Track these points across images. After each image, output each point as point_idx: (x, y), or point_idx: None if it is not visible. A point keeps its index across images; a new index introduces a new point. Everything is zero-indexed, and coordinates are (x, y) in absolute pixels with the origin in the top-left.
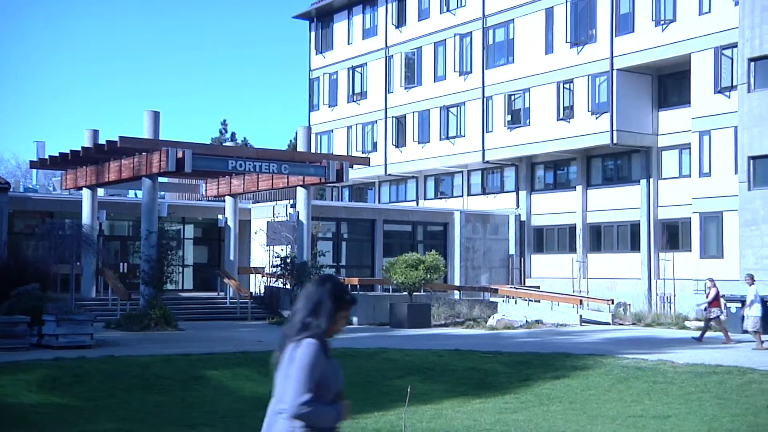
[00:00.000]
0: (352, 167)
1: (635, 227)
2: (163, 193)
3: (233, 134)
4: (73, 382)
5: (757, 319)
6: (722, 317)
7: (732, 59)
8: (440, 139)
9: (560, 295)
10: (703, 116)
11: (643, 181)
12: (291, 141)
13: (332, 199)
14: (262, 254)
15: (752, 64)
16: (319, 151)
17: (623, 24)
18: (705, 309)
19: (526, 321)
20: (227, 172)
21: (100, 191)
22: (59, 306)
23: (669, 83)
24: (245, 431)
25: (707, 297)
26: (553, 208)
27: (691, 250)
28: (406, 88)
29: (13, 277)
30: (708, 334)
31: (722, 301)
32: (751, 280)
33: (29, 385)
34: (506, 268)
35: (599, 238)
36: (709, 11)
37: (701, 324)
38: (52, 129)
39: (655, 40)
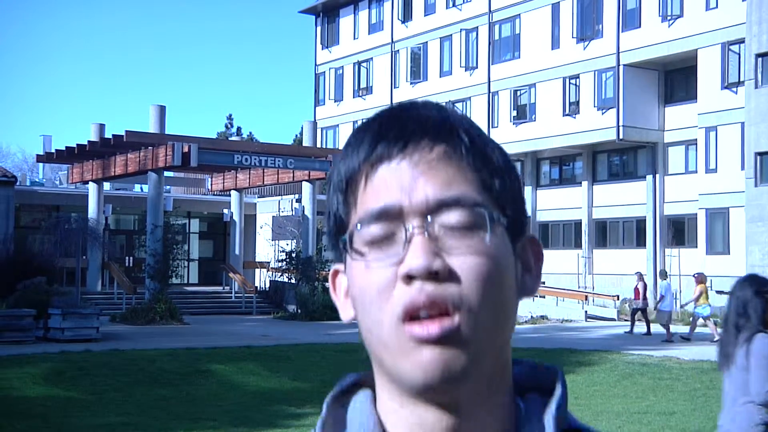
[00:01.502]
0: None
1: (641, 223)
2: (168, 187)
3: (239, 129)
4: (78, 375)
5: (664, 313)
6: (642, 310)
7: (739, 55)
8: None
9: (565, 291)
10: (710, 112)
11: (649, 177)
12: (297, 136)
13: None
14: (267, 249)
15: (759, 59)
16: (324, 146)
17: (630, 19)
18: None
19: (531, 316)
20: (233, 166)
21: (106, 185)
22: (65, 299)
23: (675, 79)
24: (249, 425)
25: (643, 290)
26: (559, 203)
27: (697, 247)
28: (411, 83)
29: (19, 271)
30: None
31: (650, 295)
32: (663, 276)
33: (35, 378)
34: None
35: (605, 233)
36: (716, 6)
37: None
38: (58, 123)
39: (662, 36)
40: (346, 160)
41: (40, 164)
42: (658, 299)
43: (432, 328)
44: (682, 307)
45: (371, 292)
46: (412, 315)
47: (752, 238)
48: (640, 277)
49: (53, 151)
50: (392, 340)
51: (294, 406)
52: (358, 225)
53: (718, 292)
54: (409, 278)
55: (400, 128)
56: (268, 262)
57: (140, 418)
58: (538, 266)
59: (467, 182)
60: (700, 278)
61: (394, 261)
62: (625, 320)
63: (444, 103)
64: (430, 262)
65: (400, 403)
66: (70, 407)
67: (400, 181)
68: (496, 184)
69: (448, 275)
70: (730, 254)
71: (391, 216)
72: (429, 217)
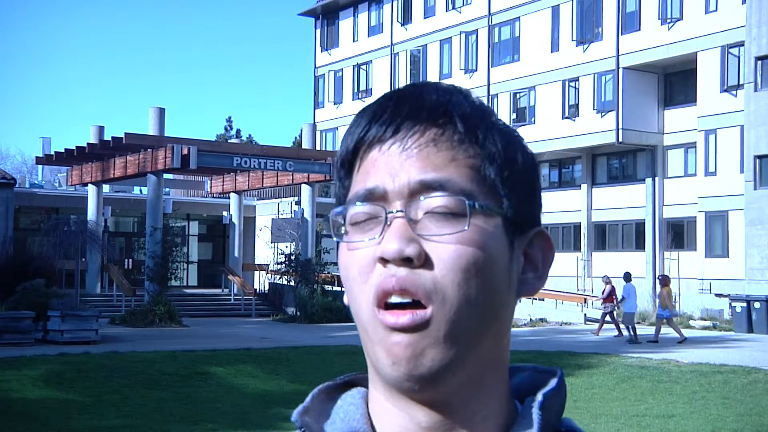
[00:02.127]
0: None
1: (640, 226)
2: (168, 189)
3: (238, 131)
4: (77, 377)
5: (628, 315)
6: (615, 312)
7: (739, 58)
8: None
9: (564, 294)
10: (709, 115)
11: (649, 180)
12: (296, 138)
13: None
14: (266, 251)
15: (759, 62)
16: (324, 149)
17: (629, 22)
18: (601, 305)
19: (530, 319)
20: (232, 169)
21: (106, 187)
22: (64, 302)
23: (675, 82)
24: (248, 427)
25: (602, 293)
26: (558, 206)
27: (696, 249)
28: None
29: (19, 273)
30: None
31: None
32: (627, 278)
33: (34, 380)
34: None
35: (604, 236)
36: (716, 9)
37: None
38: (57, 125)
39: (662, 39)
40: (344, 142)
41: (40, 166)
42: (620, 300)
43: (402, 317)
44: (673, 314)
45: (353, 272)
46: (385, 301)
47: (751, 241)
48: (608, 280)
49: (52, 153)
50: (370, 325)
51: (293, 409)
52: (349, 204)
53: (717, 295)
54: (384, 261)
55: (395, 111)
56: (267, 265)
57: (139, 420)
58: (545, 263)
59: (457, 168)
60: (665, 281)
61: (374, 242)
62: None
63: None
64: (404, 246)
65: (388, 399)
66: (69, 409)
67: (388, 163)
68: (490, 172)
69: (424, 262)
70: (729, 257)
71: (376, 198)
72: (411, 200)
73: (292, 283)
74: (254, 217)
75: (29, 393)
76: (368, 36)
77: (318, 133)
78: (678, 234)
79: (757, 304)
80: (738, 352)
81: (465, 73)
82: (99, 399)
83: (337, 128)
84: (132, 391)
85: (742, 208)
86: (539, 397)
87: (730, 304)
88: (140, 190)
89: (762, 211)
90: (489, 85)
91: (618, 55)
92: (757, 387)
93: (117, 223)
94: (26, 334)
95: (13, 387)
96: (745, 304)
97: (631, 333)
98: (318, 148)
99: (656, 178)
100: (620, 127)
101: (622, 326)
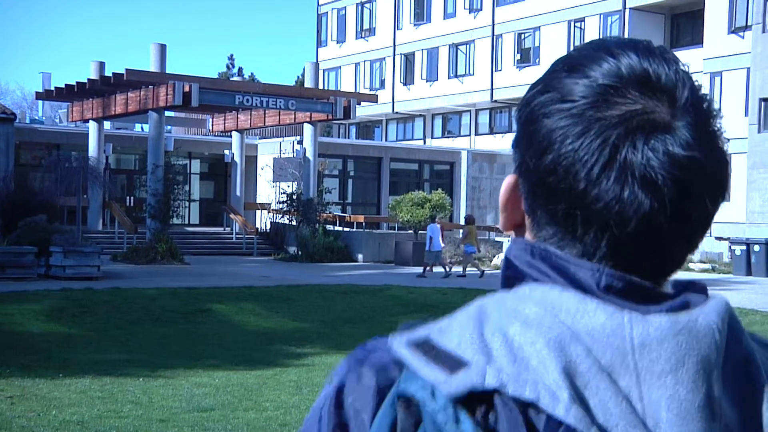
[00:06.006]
0: (359, 104)
1: None
2: (169, 127)
3: (240, 69)
4: (80, 312)
5: (432, 253)
6: (475, 255)
7: None
8: (449, 78)
9: None
10: (716, 57)
11: None
12: (298, 77)
13: (339, 137)
14: (268, 190)
15: (767, 2)
16: (326, 88)
17: None
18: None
19: None
20: (234, 107)
21: (107, 124)
22: (66, 237)
23: (682, 23)
24: (250, 364)
25: (461, 235)
26: None
27: None
28: (415, 25)
29: (21, 208)
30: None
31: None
32: (432, 219)
33: (37, 314)
34: None
35: None
36: None
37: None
38: (58, 60)
39: None
40: None
41: (40, 102)
42: (428, 241)
43: None
44: (458, 247)
45: None
46: None
47: (753, 184)
48: (467, 220)
49: (53, 88)
50: None
51: (294, 346)
52: None
53: (717, 238)
54: None
55: None
56: (269, 204)
57: (142, 355)
58: None
59: None
60: (469, 219)
61: None
62: None
63: (447, 46)
64: None
65: None
66: (72, 343)
67: None
68: None
69: None
70: (730, 201)
71: None
72: None
73: (294, 223)
74: (256, 156)
75: (32, 327)
76: None
77: (320, 72)
78: None
79: (756, 247)
80: (736, 294)
81: (470, 12)
82: (102, 333)
83: (339, 67)
84: (134, 326)
85: (745, 151)
86: None
87: (729, 247)
88: (141, 128)
89: (765, 154)
90: (494, 25)
91: None
92: (754, 328)
93: (118, 161)
94: (29, 269)
95: (17, 320)
96: (744, 247)
97: (446, 269)
98: (320, 87)
99: None
100: None
101: (444, 264)
